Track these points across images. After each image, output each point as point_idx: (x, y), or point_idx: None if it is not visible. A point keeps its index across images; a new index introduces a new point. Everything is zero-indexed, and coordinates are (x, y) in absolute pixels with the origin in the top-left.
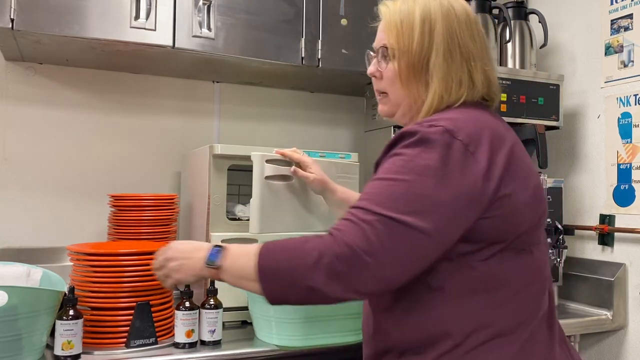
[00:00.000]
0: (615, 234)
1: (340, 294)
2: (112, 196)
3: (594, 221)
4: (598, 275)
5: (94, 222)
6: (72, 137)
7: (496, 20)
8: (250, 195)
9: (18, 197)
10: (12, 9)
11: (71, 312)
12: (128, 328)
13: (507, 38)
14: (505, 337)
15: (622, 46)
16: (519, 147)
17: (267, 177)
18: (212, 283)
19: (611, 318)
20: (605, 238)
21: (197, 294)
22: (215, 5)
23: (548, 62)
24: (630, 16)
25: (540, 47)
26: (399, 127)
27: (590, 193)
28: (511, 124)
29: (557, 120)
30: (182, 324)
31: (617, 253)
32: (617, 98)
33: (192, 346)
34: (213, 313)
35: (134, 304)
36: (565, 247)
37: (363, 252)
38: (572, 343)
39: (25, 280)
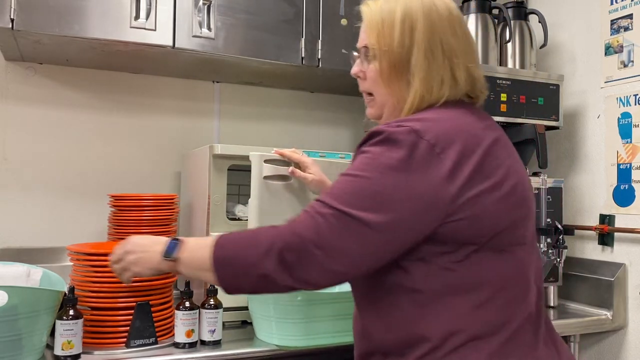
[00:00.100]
0: (615, 234)
1: (290, 283)
2: (112, 196)
3: (594, 221)
4: (598, 275)
5: (94, 222)
6: (72, 137)
7: (496, 20)
8: (250, 195)
9: (18, 197)
10: (12, 9)
11: (71, 312)
12: (128, 328)
13: (507, 38)
14: (484, 339)
15: (622, 46)
16: (498, 147)
17: (265, 177)
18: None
19: (611, 318)
20: (605, 238)
21: (197, 294)
22: (215, 5)
23: (548, 62)
24: (630, 16)
25: (540, 47)
26: None
27: (590, 193)
28: (511, 124)
29: (557, 120)
30: (182, 323)
31: (617, 253)
32: (617, 98)
33: (192, 346)
34: (213, 313)
35: (134, 304)
36: (565, 247)
37: (312, 243)
38: (572, 343)
39: (25, 280)
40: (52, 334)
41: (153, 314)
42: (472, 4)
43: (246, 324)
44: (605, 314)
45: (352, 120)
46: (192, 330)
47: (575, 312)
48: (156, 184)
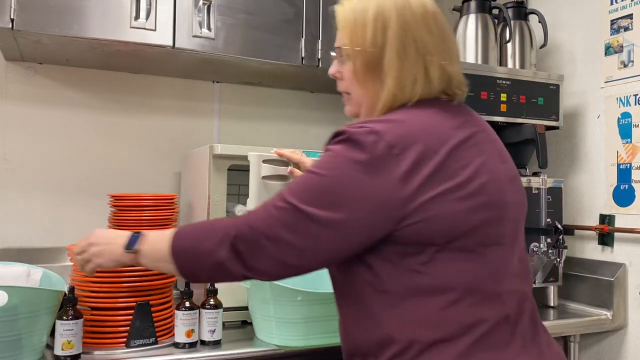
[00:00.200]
0: (615, 234)
1: (244, 272)
2: (112, 196)
3: (594, 221)
4: (598, 275)
5: (94, 222)
6: (72, 137)
7: (496, 20)
8: (249, 196)
9: (18, 197)
10: (12, 9)
11: (71, 312)
12: (128, 328)
13: (507, 38)
14: (452, 341)
15: (622, 46)
16: (467, 146)
17: (263, 177)
18: (212, 283)
19: (611, 318)
20: (605, 238)
21: (197, 294)
22: (215, 5)
23: (548, 62)
24: (630, 16)
25: (540, 47)
26: None
27: (590, 193)
28: (511, 124)
29: (557, 120)
30: (182, 323)
31: (617, 253)
32: (617, 98)
33: (192, 346)
34: (213, 313)
35: (134, 304)
36: (565, 247)
37: (263, 235)
38: (572, 343)
39: (25, 280)
40: (52, 334)
41: (153, 314)
42: (472, 4)
43: (246, 324)
44: (605, 314)
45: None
46: (192, 330)
47: (575, 312)
48: (156, 184)
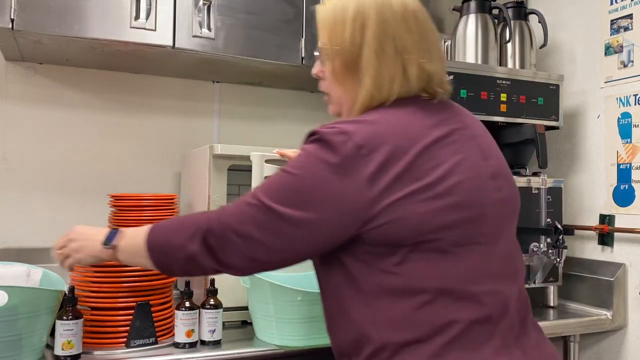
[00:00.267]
0: (615, 234)
1: (215, 266)
2: (112, 196)
3: (594, 221)
4: (598, 275)
5: (94, 222)
6: (72, 137)
7: (496, 20)
8: None
9: (18, 197)
10: (12, 9)
11: (71, 312)
12: (128, 328)
13: (507, 38)
14: (425, 341)
15: (622, 46)
16: (442, 145)
17: (266, 177)
18: (212, 283)
19: (611, 318)
20: (605, 238)
21: (197, 294)
22: (215, 5)
23: (548, 62)
24: (630, 16)
25: (540, 47)
26: None
27: (590, 193)
28: (511, 124)
29: (557, 120)
30: (182, 323)
31: (617, 253)
32: (617, 98)
33: (192, 346)
34: (213, 313)
35: (134, 304)
36: (565, 247)
37: (232, 231)
38: (572, 343)
39: (25, 280)
40: (52, 334)
41: (153, 314)
42: (472, 4)
43: (246, 324)
44: (605, 314)
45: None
46: (192, 330)
47: (575, 312)
48: (156, 184)
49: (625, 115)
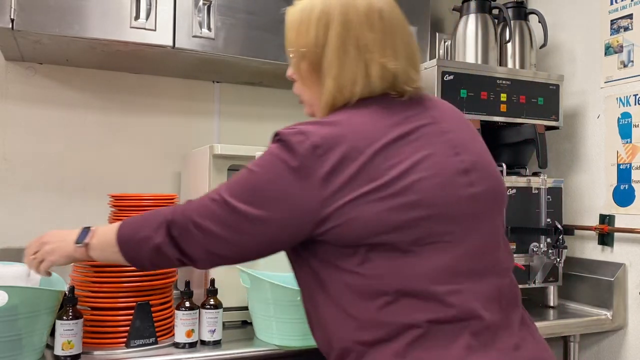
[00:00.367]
0: (615, 234)
1: (179, 256)
2: (112, 196)
3: (594, 221)
4: (598, 275)
5: (94, 222)
6: (72, 137)
7: (496, 20)
8: None
9: (18, 197)
10: (12, 9)
11: (71, 312)
12: (128, 328)
13: (507, 38)
14: (386, 343)
15: (622, 46)
16: (402, 143)
17: None
18: (212, 283)
19: (611, 318)
20: (605, 238)
21: (197, 294)
22: (215, 5)
23: (548, 62)
24: (630, 16)
25: (540, 47)
26: None
27: (590, 193)
28: (511, 124)
29: (557, 120)
30: (182, 323)
31: (617, 253)
32: (617, 98)
33: (192, 346)
34: (213, 313)
35: (134, 304)
36: (565, 247)
37: (193, 224)
38: (572, 343)
39: (25, 280)
40: (52, 334)
41: (153, 314)
42: (472, 4)
43: (246, 324)
44: (605, 314)
45: None
46: (192, 330)
47: (575, 312)
48: (156, 184)
49: (625, 115)
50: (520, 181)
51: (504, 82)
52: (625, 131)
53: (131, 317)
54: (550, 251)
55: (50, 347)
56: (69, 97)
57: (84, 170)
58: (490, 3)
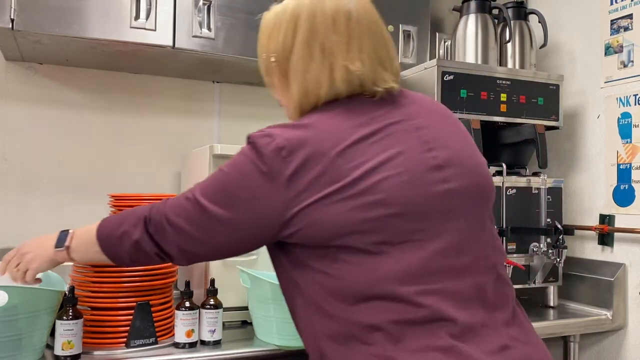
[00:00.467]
0: (615, 234)
1: (157, 251)
2: (112, 196)
3: (594, 221)
4: (598, 275)
5: (94, 222)
6: (72, 137)
7: (496, 20)
8: None
9: (18, 197)
10: (12, 9)
11: (71, 312)
12: (128, 328)
13: (507, 38)
14: (359, 344)
15: (622, 46)
16: (367, 143)
17: None
18: (212, 283)
19: (611, 318)
20: (605, 238)
21: (197, 294)
22: (215, 5)
23: (548, 62)
24: (630, 16)
25: (540, 47)
26: None
27: (590, 193)
28: (511, 124)
29: (557, 120)
30: (182, 324)
31: (617, 253)
32: (617, 98)
33: (192, 346)
34: (213, 313)
35: (134, 304)
36: (565, 247)
37: (167, 221)
38: (572, 343)
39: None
40: (52, 334)
41: (153, 314)
42: (472, 4)
43: (246, 324)
44: (605, 314)
45: None
46: (192, 330)
47: (575, 312)
48: (156, 184)
49: (625, 115)
50: (520, 181)
51: (504, 82)
52: (625, 131)
53: (131, 317)
54: (550, 251)
55: (50, 347)
56: (69, 97)
57: (84, 170)
58: (490, 3)
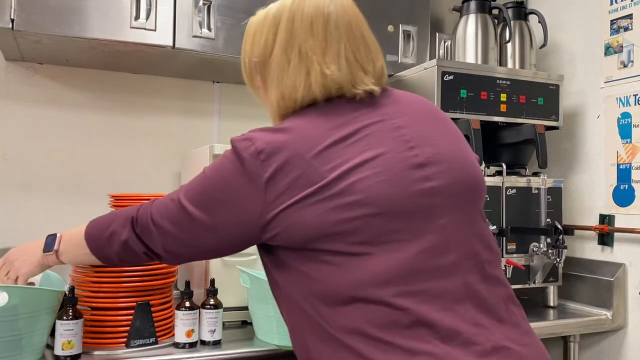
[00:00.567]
0: (615, 234)
1: (145, 250)
2: (112, 196)
3: (594, 221)
4: (598, 275)
5: None
6: (72, 137)
7: (496, 21)
8: None
9: (18, 197)
10: (12, 9)
11: (71, 312)
12: (128, 328)
13: (507, 38)
14: (344, 347)
15: (621, 46)
16: (345, 145)
17: None
18: (212, 283)
19: (611, 318)
20: (605, 238)
21: (197, 294)
22: (215, 5)
23: (548, 62)
24: (630, 16)
25: (540, 47)
26: None
27: (590, 193)
28: (511, 124)
29: (557, 120)
30: (182, 323)
31: (617, 253)
32: (617, 98)
33: (192, 346)
34: (213, 313)
35: (134, 304)
36: (565, 247)
37: (152, 222)
38: (572, 343)
39: None
40: (52, 334)
41: (153, 314)
42: (472, 4)
43: (246, 324)
44: (605, 313)
45: None
46: (192, 330)
47: (575, 312)
48: (156, 184)
49: (625, 115)
50: (520, 181)
51: (503, 82)
52: (625, 131)
53: (131, 317)
54: (550, 251)
55: (50, 347)
56: (69, 97)
57: (84, 170)
58: (490, 3)
